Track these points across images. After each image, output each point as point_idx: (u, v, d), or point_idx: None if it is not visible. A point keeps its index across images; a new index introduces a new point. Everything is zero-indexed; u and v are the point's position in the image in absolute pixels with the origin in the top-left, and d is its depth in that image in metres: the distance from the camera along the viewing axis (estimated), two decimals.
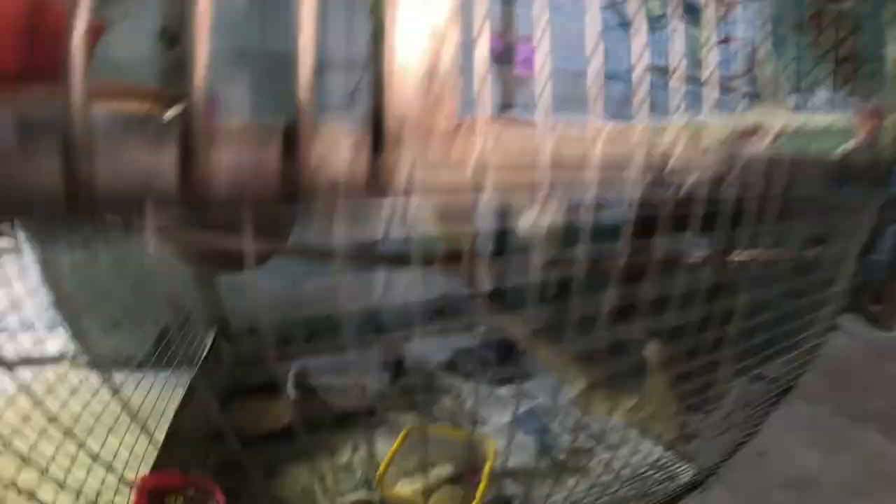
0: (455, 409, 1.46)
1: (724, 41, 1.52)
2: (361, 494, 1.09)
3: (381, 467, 1.06)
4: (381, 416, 1.43)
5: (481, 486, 0.99)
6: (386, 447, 1.13)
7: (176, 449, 1.04)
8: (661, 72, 0.50)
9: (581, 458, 1.21)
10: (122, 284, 1.09)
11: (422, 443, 1.17)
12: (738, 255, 0.69)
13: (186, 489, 0.92)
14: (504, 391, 1.55)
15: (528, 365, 1.69)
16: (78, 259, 0.99)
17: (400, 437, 1.13)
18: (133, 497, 0.86)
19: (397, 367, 1.57)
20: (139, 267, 1.12)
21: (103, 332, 1.05)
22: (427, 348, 1.86)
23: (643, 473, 0.96)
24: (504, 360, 1.69)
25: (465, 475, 1.11)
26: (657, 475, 1.04)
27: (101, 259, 1.08)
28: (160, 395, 1.16)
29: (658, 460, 1.01)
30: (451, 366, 1.69)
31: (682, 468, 1.10)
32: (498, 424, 1.35)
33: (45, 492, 0.65)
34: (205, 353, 1.45)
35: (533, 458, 1.22)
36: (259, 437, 1.25)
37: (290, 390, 1.33)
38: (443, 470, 1.11)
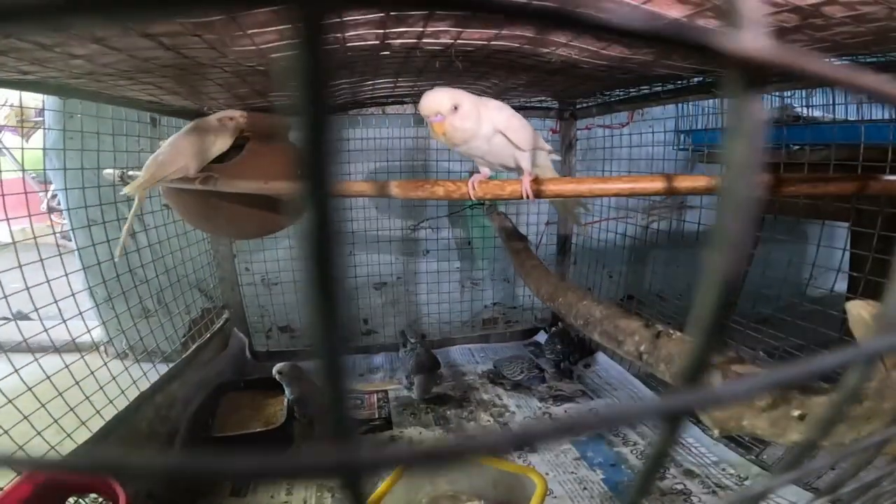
0: (495, 428, 1.10)
1: None
2: None
3: (377, 492, 0.73)
4: (400, 429, 1.11)
5: None
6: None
7: (112, 443, 0.79)
8: None
9: None
10: (157, 269, 1.07)
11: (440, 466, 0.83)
12: None
13: (86, 491, 0.65)
14: (561, 410, 1.16)
15: (596, 378, 1.29)
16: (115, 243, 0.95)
17: None
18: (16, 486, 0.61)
19: (429, 372, 1.24)
20: (174, 252, 1.13)
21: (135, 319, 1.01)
22: (465, 356, 1.52)
23: None
24: (565, 371, 1.31)
25: None
26: None
27: (139, 243, 1.05)
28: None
29: None
30: (494, 375, 1.34)
31: None
32: (551, 453, 0.97)
33: None
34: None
35: (599, 502, 0.83)
36: (242, 437, 0.98)
37: (288, 387, 1.05)
38: None
